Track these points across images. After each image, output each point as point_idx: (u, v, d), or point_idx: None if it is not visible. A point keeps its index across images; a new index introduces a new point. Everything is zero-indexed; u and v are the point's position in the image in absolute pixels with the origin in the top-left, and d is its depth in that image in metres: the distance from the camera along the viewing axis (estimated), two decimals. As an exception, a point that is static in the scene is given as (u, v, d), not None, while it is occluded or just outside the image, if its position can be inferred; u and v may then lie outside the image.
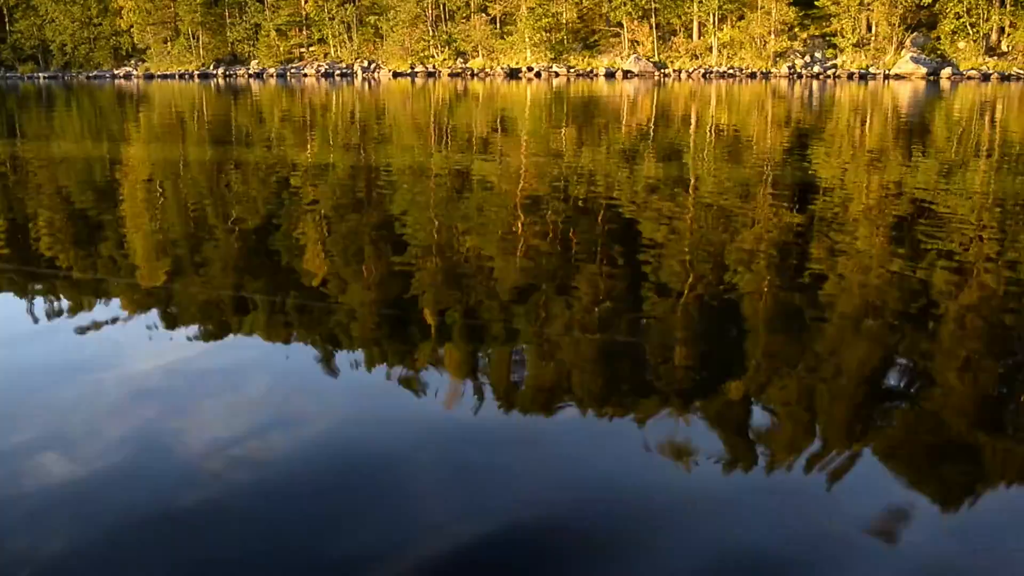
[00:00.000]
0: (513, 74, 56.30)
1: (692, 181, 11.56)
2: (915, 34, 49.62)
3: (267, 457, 3.55)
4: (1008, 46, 47.97)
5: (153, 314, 5.65)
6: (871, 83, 44.32)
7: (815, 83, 44.40)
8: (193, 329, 5.30)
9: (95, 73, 73.14)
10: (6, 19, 77.44)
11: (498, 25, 59.08)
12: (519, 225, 8.41)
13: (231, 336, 5.24)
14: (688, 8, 53.26)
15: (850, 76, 48.98)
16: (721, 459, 3.54)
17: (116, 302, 6.02)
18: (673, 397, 4.16)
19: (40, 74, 75.13)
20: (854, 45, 49.97)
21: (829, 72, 50.14)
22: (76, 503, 3.19)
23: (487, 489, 3.29)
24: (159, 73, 69.72)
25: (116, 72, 72.89)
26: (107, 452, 3.59)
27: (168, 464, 3.49)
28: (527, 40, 56.15)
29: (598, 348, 4.93)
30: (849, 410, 4.09)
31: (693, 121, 22.71)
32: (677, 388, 4.28)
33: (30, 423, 3.89)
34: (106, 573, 2.80)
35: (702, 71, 52.64)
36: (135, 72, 72.14)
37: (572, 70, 55.37)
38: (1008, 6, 47.14)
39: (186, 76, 68.17)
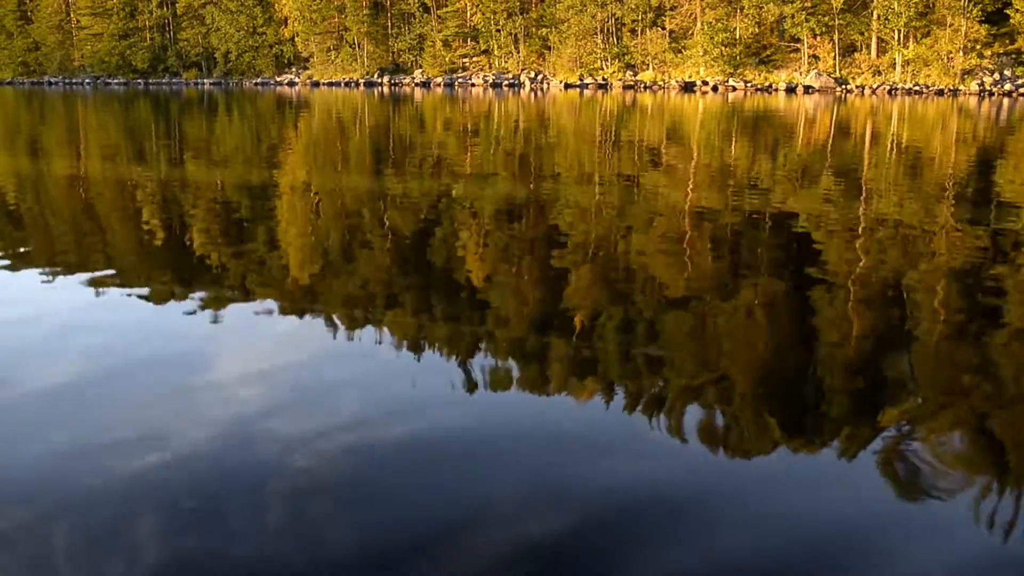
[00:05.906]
0: (688, 87, 57.22)
1: (868, 197, 11.32)
2: (1111, 53, 49.10)
3: (395, 453, 3.70)
4: None
5: (298, 311, 5.78)
6: (1066, 102, 44.04)
7: (1006, 101, 44.32)
8: (337, 332, 5.42)
9: (260, 80, 76.30)
10: (171, 28, 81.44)
11: (669, 38, 60.09)
12: (684, 237, 8.41)
13: (371, 341, 5.22)
14: (871, 24, 53.55)
15: (1044, 95, 48.72)
16: (881, 489, 3.46)
17: (272, 299, 6.10)
18: (835, 421, 4.07)
19: (204, 80, 78.77)
20: (1047, 63, 49.69)
21: (1022, 90, 49.93)
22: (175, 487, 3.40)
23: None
24: (324, 81, 72.51)
25: (279, 79, 75.99)
26: (250, 446, 3.75)
27: (305, 461, 3.63)
28: (702, 54, 57.06)
29: (760, 365, 4.87)
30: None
31: (872, 137, 22.38)
32: (840, 411, 4.18)
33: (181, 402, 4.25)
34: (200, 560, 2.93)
35: (886, 88, 52.83)
36: (298, 80, 75.16)
37: (749, 84, 56.09)
38: None
39: (351, 84, 70.81)
